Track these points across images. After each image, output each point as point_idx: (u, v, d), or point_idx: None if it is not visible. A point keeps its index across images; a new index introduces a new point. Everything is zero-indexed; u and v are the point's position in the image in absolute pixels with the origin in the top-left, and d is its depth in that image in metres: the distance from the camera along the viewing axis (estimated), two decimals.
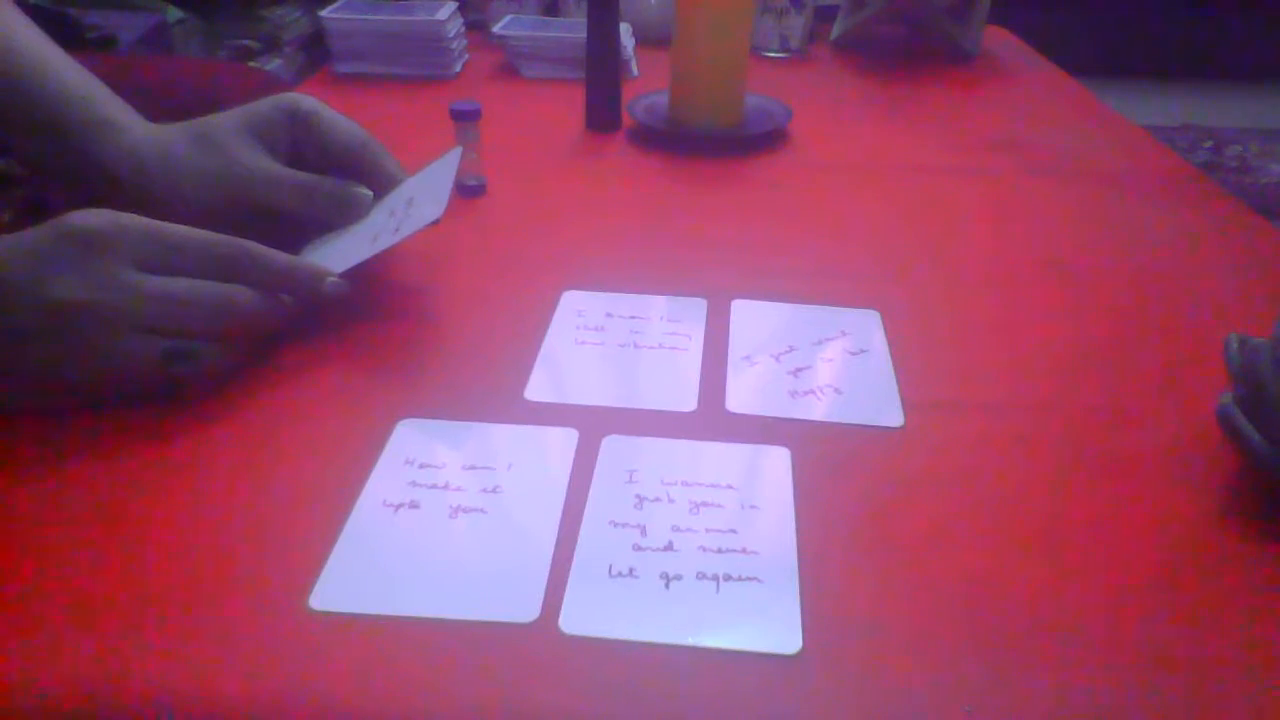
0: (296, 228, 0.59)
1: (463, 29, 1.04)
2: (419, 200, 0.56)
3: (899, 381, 0.49)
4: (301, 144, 0.59)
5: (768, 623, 0.34)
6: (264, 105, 0.59)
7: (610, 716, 0.31)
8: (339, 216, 0.58)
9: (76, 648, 0.33)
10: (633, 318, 0.55)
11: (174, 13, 1.15)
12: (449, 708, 0.31)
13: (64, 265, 0.43)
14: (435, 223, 0.54)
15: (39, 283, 0.43)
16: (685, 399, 0.47)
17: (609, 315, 0.55)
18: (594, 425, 0.45)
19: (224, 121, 0.58)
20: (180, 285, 0.45)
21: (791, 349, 0.52)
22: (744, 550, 0.38)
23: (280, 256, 0.49)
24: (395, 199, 0.59)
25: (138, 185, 0.56)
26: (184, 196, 0.56)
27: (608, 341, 0.53)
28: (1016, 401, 0.48)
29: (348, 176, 0.59)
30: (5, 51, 0.58)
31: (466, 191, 0.71)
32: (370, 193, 0.59)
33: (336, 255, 0.55)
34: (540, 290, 0.58)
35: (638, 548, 0.38)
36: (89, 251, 0.44)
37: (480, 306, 0.56)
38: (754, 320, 0.55)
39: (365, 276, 0.59)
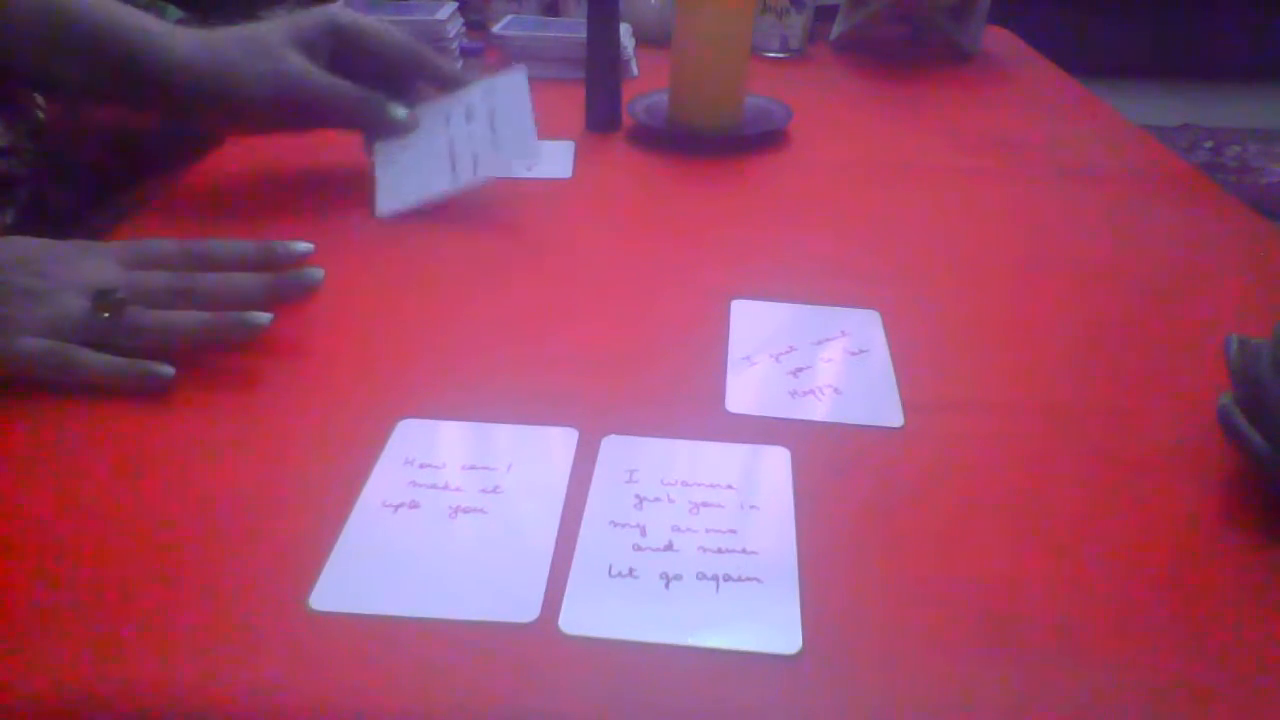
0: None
1: (463, 29, 1.04)
2: (504, 139, 0.62)
3: (899, 381, 0.49)
4: (345, 57, 0.65)
5: (768, 623, 0.34)
6: (306, 20, 0.64)
7: (610, 716, 0.31)
8: (384, 132, 0.66)
9: (75, 648, 0.32)
10: None
11: (174, 13, 1.15)
12: (449, 708, 0.31)
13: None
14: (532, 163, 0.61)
15: None
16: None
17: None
18: (594, 425, 0.45)
19: (270, 30, 0.63)
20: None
21: (791, 349, 0.52)
22: (744, 550, 0.38)
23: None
24: (467, 111, 0.65)
25: (190, 91, 0.61)
26: (238, 95, 0.62)
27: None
28: (1016, 401, 0.48)
29: (404, 81, 0.67)
30: None
31: None
32: (413, 120, 0.66)
33: (411, 179, 0.61)
34: (541, 289, 0.58)
35: (638, 548, 0.38)
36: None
37: (480, 305, 0.56)
38: (754, 320, 0.55)
39: (365, 273, 0.59)
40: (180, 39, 0.61)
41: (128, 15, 0.61)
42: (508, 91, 0.66)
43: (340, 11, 0.64)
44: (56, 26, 0.60)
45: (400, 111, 0.66)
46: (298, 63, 0.62)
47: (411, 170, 0.63)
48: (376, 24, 0.66)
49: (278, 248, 0.52)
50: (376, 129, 0.66)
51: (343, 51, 0.64)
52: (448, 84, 0.69)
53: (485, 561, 0.37)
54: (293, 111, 0.63)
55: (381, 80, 0.67)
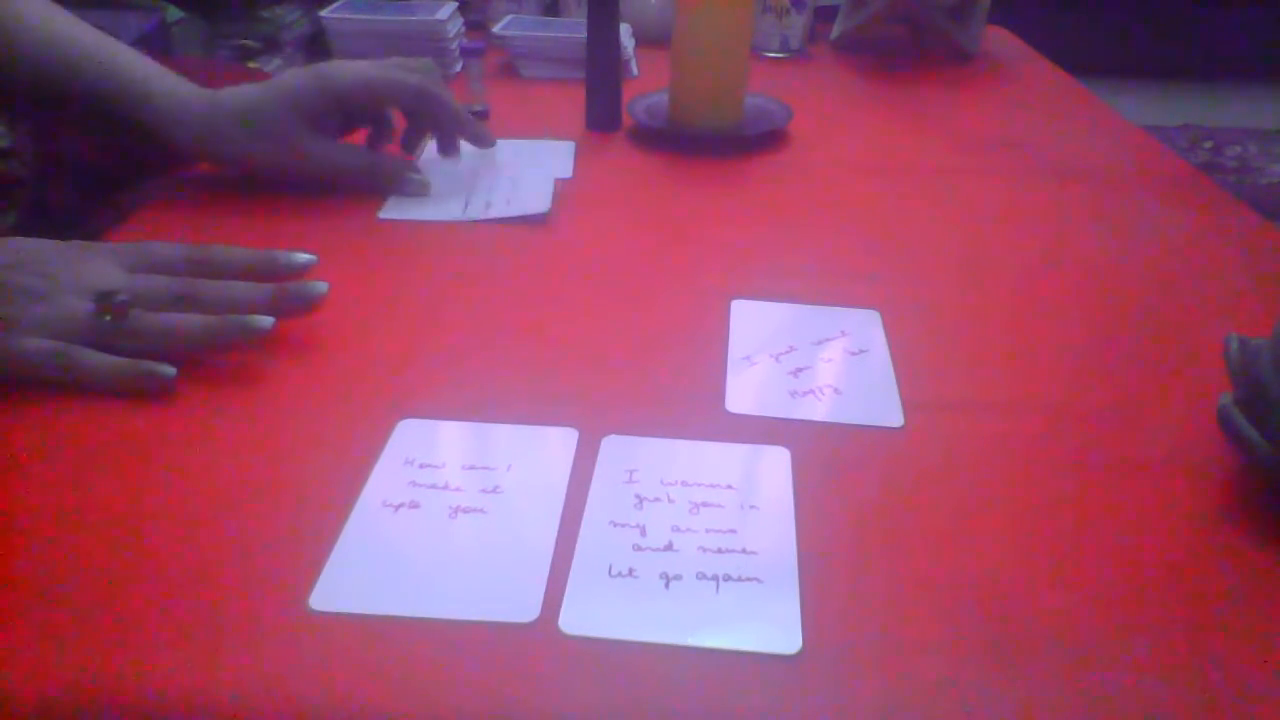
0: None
1: (463, 29, 1.04)
2: (520, 195, 0.68)
3: (899, 381, 0.49)
4: (354, 111, 0.68)
5: (768, 623, 0.34)
6: (305, 91, 0.64)
7: (610, 716, 0.31)
8: (399, 191, 0.68)
9: (76, 648, 0.32)
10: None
11: (174, 13, 1.15)
12: (449, 708, 0.31)
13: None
14: (540, 215, 0.65)
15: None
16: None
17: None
18: (594, 425, 0.45)
19: (273, 105, 0.64)
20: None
21: (791, 349, 0.52)
22: (744, 550, 0.38)
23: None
24: (494, 163, 0.73)
25: (195, 158, 0.67)
26: (242, 167, 0.66)
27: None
28: (1016, 401, 0.48)
29: (424, 122, 0.72)
30: (50, 41, 0.64)
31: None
32: (425, 186, 0.68)
33: (422, 205, 0.67)
34: (541, 289, 0.58)
35: (638, 548, 0.38)
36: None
37: (480, 305, 0.56)
38: (754, 320, 0.55)
39: (365, 273, 0.59)
40: (182, 116, 0.63)
41: (129, 81, 0.63)
42: (537, 158, 0.76)
43: (340, 75, 0.65)
44: (59, 96, 0.63)
45: (413, 177, 0.68)
46: (300, 143, 0.64)
47: (426, 199, 0.68)
48: (384, 74, 0.66)
49: (280, 257, 0.52)
50: (387, 192, 0.68)
51: (353, 107, 0.67)
52: (465, 130, 0.71)
53: (485, 561, 0.37)
54: (297, 181, 0.66)
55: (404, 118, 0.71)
